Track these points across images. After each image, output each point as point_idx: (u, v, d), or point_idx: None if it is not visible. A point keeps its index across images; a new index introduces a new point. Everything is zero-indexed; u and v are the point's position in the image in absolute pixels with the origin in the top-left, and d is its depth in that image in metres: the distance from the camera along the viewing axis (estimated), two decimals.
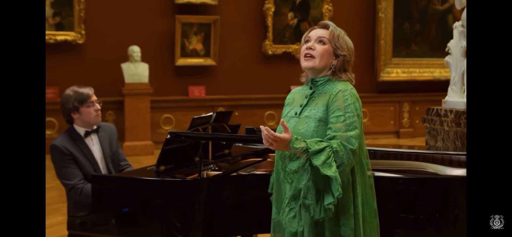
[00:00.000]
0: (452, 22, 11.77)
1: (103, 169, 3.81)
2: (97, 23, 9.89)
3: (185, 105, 10.47)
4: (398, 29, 11.52)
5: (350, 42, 2.77)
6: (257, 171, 3.60)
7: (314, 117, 2.65)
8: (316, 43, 2.73)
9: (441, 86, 11.59)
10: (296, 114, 2.75)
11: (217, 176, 3.31)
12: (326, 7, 11.00)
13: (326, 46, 2.72)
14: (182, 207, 3.14)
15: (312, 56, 2.72)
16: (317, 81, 2.75)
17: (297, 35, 11.01)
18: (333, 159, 2.48)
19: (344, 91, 2.66)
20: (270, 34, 10.82)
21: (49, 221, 5.53)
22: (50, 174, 4.08)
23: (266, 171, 3.60)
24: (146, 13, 10.18)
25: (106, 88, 9.93)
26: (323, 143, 2.52)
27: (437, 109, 5.58)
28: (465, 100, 5.28)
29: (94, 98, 3.79)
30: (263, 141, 2.50)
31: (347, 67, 2.75)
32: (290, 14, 10.94)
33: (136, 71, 9.76)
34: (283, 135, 2.50)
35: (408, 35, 11.65)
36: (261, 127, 2.49)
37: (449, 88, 5.59)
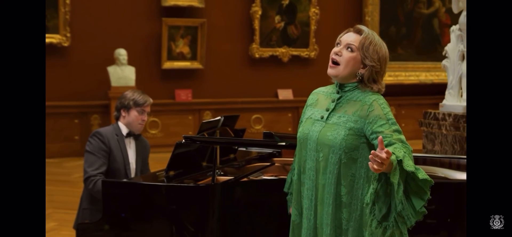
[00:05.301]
0: (438, 26, 11.89)
1: (132, 172, 3.90)
2: (82, 25, 9.74)
3: (171, 108, 10.36)
4: (384, 32, 11.54)
5: (383, 51, 2.65)
6: (265, 176, 3.55)
7: (344, 126, 2.58)
8: (344, 49, 2.64)
9: (427, 90, 11.69)
10: (322, 118, 2.67)
11: (230, 181, 3.26)
12: (313, 11, 10.99)
13: (353, 54, 2.62)
14: (196, 212, 3.09)
15: (337, 63, 2.64)
16: (345, 87, 2.68)
17: (284, 38, 10.98)
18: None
19: (378, 99, 2.61)
20: (257, 37, 10.77)
21: None
22: None
23: (274, 175, 3.56)
24: (132, 16, 10.07)
25: (92, 91, 9.82)
26: (398, 149, 2.41)
27: (434, 113, 5.59)
28: (463, 103, 5.31)
29: (148, 109, 3.97)
30: (374, 166, 2.28)
31: (377, 77, 2.65)
32: (277, 17, 10.90)
33: (123, 74, 9.65)
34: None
35: (394, 38, 11.69)
36: (376, 152, 2.27)
37: (447, 92, 5.61)
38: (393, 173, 2.34)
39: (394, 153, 2.36)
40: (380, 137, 2.34)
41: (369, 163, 2.31)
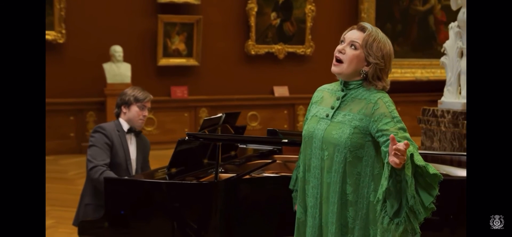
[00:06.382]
0: (433, 23, 11.90)
1: (133, 168, 3.95)
2: (78, 22, 9.70)
3: (167, 105, 10.34)
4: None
5: (387, 48, 2.63)
6: (266, 173, 3.54)
7: (349, 124, 2.57)
8: (348, 47, 2.61)
9: (423, 87, 11.70)
10: (327, 116, 2.66)
11: (233, 178, 3.24)
12: (309, 7, 10.99)
13: (357, 52, 2.60)
14: (199, 210, 3.08)
15: (341, 61, 2.62)
16: (349, 84, 2.67)
17: (279, 35, 10.98)
18: None
19: (383, 97, 2.60)
20: (252, 34, 10.76)
21: None
22: None
23: (276, 173, 3.55)
24: (128, 13, 10.03)
25: (87, 88, 9.78)
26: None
27: (433, 110, 5.59)
28: (462, 100, 5.31)
29: (148, 105, 4.02)
30: (396, 160, 2.26)
31: (381, 75, 2.63)
32: (273, 14, 10.89)
33: (119, 71, 9.61)
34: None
35: (389, 35, 11.45)
36: (395, 146, 2.26)
37: (445, 89, 5.60)
38: (407, 166, 2.32)
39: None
40: (392, 135, 2.33)
41: (390, 159, 2.29)
